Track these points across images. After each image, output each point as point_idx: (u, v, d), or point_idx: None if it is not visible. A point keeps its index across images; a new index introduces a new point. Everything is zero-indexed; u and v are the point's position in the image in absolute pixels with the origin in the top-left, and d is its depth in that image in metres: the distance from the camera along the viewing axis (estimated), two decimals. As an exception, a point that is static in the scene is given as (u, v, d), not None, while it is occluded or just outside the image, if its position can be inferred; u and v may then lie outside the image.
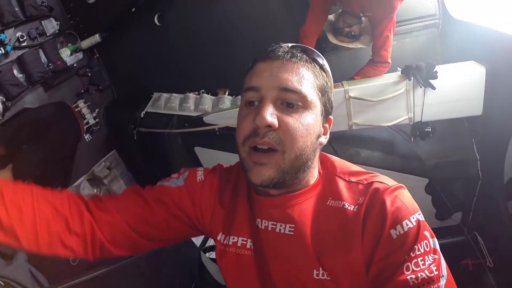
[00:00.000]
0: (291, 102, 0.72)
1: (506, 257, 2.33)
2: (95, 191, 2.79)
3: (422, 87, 2.21)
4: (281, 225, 0.78)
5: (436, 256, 0.66)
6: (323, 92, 0.78)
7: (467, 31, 2.43)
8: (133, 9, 2.70)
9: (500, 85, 2.15)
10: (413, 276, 0.63)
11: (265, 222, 0.80)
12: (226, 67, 2.82)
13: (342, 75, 2.61)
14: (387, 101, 2.23)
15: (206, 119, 2.61)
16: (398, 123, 2.32)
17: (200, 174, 0.94)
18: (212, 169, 0.99)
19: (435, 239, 0.70)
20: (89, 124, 2.86)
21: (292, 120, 0.71)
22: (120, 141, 2.95)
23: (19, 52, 2.37)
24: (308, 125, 0.73)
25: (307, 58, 0.78)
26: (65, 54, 2.71)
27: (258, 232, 0.81)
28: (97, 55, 3.03)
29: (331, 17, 2.30)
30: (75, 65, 2.84)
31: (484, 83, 2.19)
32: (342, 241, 0.74)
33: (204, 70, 2.89)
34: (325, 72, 0.82)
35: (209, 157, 2.79)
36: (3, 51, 2.24)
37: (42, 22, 2.53)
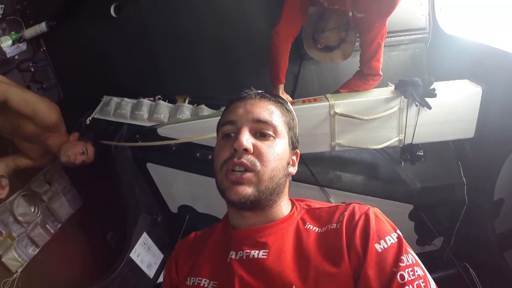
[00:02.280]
0: (264, 132, 0.72)
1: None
2: (32, 209, 2.01)
3: (417, 105, 1.67)
4: (255, 252, 0.69)
5: (422, 269, 0.59)
6: (289, 127, 0.78)
7: (459, 47, 1.97)
8: None
9: (496, 106, 1.73)
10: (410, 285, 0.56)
11: (240, 253, 0.70)
12: (188, 72, 2.16)
13: (322, 87, 2.08)
14: (377, 120, 1.68)
15: (160, 131, 1.92)
16: (388, 146, 1.76)
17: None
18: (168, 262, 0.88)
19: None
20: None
21: (265, 146, 0.71)
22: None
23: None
24: (279, 151, 0.72)
25: (274, 99, 0.79)
26: (6, 43, 1.98)
27: (230, 264, 0.70)
28: (44, 48, 2.25)
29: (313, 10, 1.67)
30: (16, 57, 2.10)
31: (479, 104, 1.74)
32: (325, 256, 0.64)
33: (163, 72, 2.19)
34: (289, 111, 0.82)
35: (164, 175, 2.11)
36: None
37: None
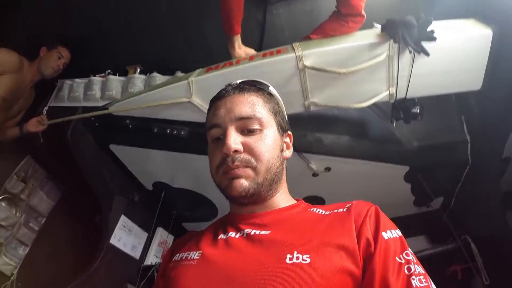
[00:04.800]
0: (250, 127, 0.61)
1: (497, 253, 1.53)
2: (13, 211, 1.69)
3: (411, 52, 1.12)
4: (256, 230, 0.58)
5: (423, 268, 0.50)
6: (275, 112, 0.67)
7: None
8: None
9: (509, 52, 1.18)
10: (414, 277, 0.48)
11: (240, 233, 0.59)
12: (138, 37, 1.62)
13: (295, 35, 1.48)
14: (360, 72, 1.14)
15: (113, 109, 1.44)
16: (375, 102, 1.23)
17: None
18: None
19: None
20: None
21: (255, 141, 0.61)
22: (31, 143, 1.73)
23: None
24: (270, 142, 0.62)
25: (254, 88, 0.67)
26: None
27: (226, 240, 0.59)
28: None
29: None
30: None
31: (489, 50, 1.17)
32: (330, 231, 0.54)
33: (112, 43, 1.66)
34: (273, 96, 0.69)
35: (129, 155, 1.69)
36: None
37: None
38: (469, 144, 1.54)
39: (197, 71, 1.30)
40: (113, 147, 1.65)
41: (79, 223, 1.89)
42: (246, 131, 0.61)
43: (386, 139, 1.52)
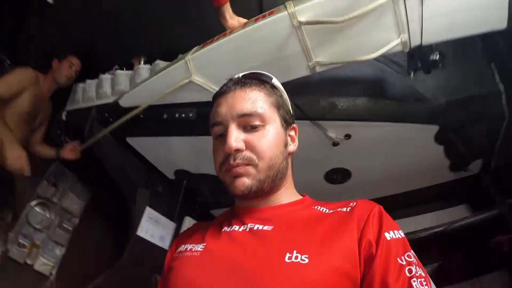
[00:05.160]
0: (252, 124, 0.61)
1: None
2: (47, 214, 1.79)
3: None
4: (259, 225, 0.58)
5: (424, 271, 0.49)
6: (278, 106, 0.65)
7: None
8: None
9: None
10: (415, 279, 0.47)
11: (243, 227, 0.59)
12: (140, 30, 1.63)
13: None
14: (363, 19, 1.01)
15: (122, 102, 1.47)
16: (386, 53, 1.07)
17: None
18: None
19: None
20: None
21: (257, 138, 0.60)
22: (56, 149, 1.79)
23: None
24: (272, 138, 0.61)
25: (256, 81, 0.66)
26: None
27: (230, 233, 0.59)
28: (8, 62, 1.83)
29: None
30: None
31: None
32: (332, 230, 0.54)
33: (115, 41, 1.69)
34: (276, 88, 0.68)
35: (146, 145, 1.70)
36: None
37: None
38: (503, 95, 1.33)
39: (194, 49, 1.25)
40: (130, 140, 1.66)
41: (111, 220, 1.96)
42: (249, 128, 0.60)
43: (409, 96, 1.36)
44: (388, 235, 0.51)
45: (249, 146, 0.59)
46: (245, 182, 0.58)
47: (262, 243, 0.54)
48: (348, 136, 1.45)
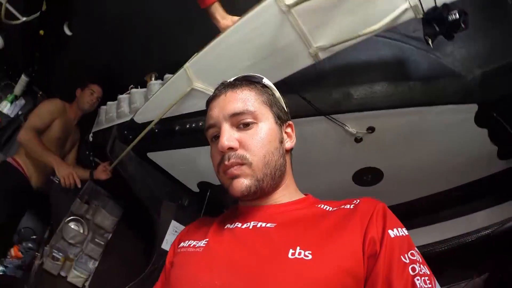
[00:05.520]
0: (245, 122, 0.61)
1: None
2: (81, 230, 1.93)
3: None
4: (262, 223, 0.57)
5: (429, 269, 0.48)
6: (270, 104, 0.65)
7: None
8: (41, 32, 1.70)
9: None
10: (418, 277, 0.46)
11: (246, 224, 0.59)
12: (150, 48, 1.70)
13: None
14: None
15: (137, 119, 1.51)
16: (395, 22, 0.93)
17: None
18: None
19: None
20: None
21: (250, 136, 0.60)
22: (90, 170, 1.95)
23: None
24: (266, 134, 0.61)
25: (247, 82, 0.66)
26: (6, 108, 1.95)
27: (232, 229, 0.59)
28: (40, 93, 2.11)
29: None
30: (20, 112, 2.03)
31: None
32: (335, 227, 0.53)
33: (129, 62, 1.78)
34: (267, 87, 0.68)
35: (166, 159, 1.71)
36: None
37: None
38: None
39: (192, 57, 1.23)
40: (150, 155, 1.70)
41: (142, 234, 2.00)
42: (241, 126, 0.61)
43: (437, 74, 1.17)
44: (392, 233, 0.50)
45: (242, 144, 0.59)
46: (243, 183, 0.58)
47: (265, 240, 0.54)
48: (371, 129, 1.28)
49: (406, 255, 0.48)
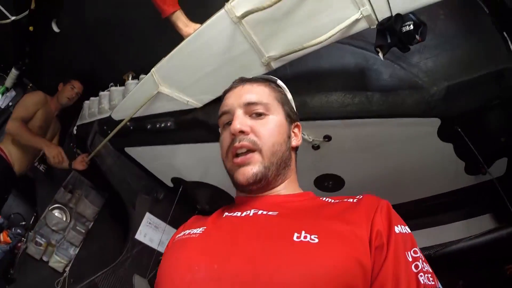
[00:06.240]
0: (257, 111, 0.62)
1: None
2: (64, 218, 2.03)
3: None
4: (263, 211, 0.56)
5: (430, 267, 0.48)
6: (282, 102, 0.67)
7: None
8: (31, 28, 1.76)
9: None
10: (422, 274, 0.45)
11: (247, 212, 0.57)
12: (129, 49, 1.73)
13: None
14: (309, 1, 0.90)
15: (114, 115, 1.58)
16: (348, 34, 0.94)
17: None
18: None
19: None
20: (41, 154, 2.02)
21: (261, 124, 0.62)
22: (69, 161, 2.03)
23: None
24: (276, 126, 0.63)
25: (263, 80, 0.69)
26: None
27: (231, 217, 0.58)
28: (30, 85, 2.18)
29: None
30: (10, 104, 2.10)
31: None
32: (339, 217, 0.51)
33: (111, 61, 1.84)
34: (281, 87, 0.71)
35: (142, 154, 1.78)
36: None
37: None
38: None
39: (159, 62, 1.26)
40: (127, 150, 1.76)
41: (121, 224, 2.08)
42: (254, 115, 0.62)
43: (397, 85, 1.14)
44: (397, 229, 0.49)
45: (254, 131, 0.61)
46: (252, 169, 0.58)
47: (267, 225, 0.52)
48: (328, 138, 1.28)
49: (410, 252, 0.47)
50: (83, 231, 2.01)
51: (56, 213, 1.98)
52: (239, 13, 0.95)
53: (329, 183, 1.49)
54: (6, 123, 1.85)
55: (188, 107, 1.30)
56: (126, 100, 1.46)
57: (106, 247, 2.02)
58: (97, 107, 1.78)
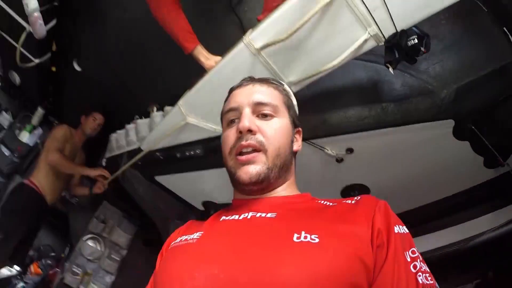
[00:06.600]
0: (265, 112, 0.63)
1: None
2: (98, 247, 2.12)
3: None
4: (262, 213, 0.56)
5: (427, 269, 0.48)
6: (288, 106, 0.68)
7: None
8: (53, 68, 1.95)
9: None
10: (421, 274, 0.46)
11: (244, 215, 0.56)
12: (155, 81, 1.84)
13: None
14: (318, 28, 0.98)
15: (143, 147, 1.69)
16: (359, 53, 1.02)
17: None
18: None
19: None
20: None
21: (269, 125, 0.62)
22: (105, 193, 2.13)
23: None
24: (282, 128, 0.63)
25: (271, 82, 0.69)
26: (26, 137, 2.19)
27: (228, 221, 0.57)
28: (56, 122, 2.34)
29: None
30: (38, 141, 2.26)
31: None
32: (340, 219, 0.51)
33: (133, 95, 1.96)
34: (287, 92, 0.71)
35: (172, 182, 1.85)
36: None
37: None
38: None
39: (183, 95, 1.37)
40: (158, 178, 1.84)
41: (155, 251, 2.15)
42: (261, 116, 0.63)
43: (409, 93, 1.21)
44: (396, 229, 0.49)
45: (261, 131, 0.61)
46: (255, 168, 0.58)
47: (266, 227, 0.52)
48: (350, 150, 1.34)
49: (408, 252, 0.48)
50: (118, 259, 2.10)
51: (90, 243, 2.08)
52: (257, 45, 1.05)
53: (355, 192, 1.54)
54: (35, 160, 1.99)
55: (215, 134, 1.38)
56: (154, 132, 1.57)
57: (142, 274, 2.07)
58: (125, 140, 1.89)
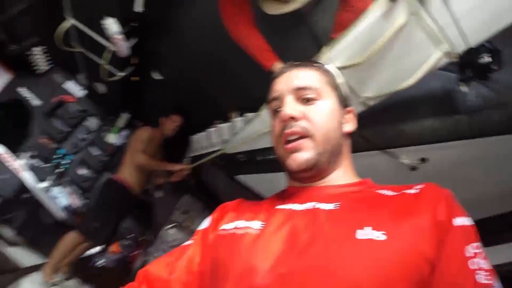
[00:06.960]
0: (307, 97, 0.66)
1: None
2: (180, 235, 2.68)
3: None
4: (324, 204, 0.58)
5: (489, 264, 0.48)
6: (333, 86, 0.69)
7: None
8: (136, 78, 2.47)
9: None
10: (480, 272, 0.46)
11: (304, 205, 0.60)
12: (234, 88, 2.23)
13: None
14: (391, 47, 1.16)
15: (228, 151, 2.11)
16: (433, 70, 1.15)
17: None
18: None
19: None
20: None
21: (313, 109, 0.65)
22: (186, 186, 2.74)
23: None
24: (327, 111, 0.65)
25: (311, 63, 0.72)
26: (112, 138, 2.77)
27: (289, 212, 0.61)
28: (142, 124, 2.88)
29: None
30: (124, 141, 2.86)
31: None
32: (403, 208, 0.53)
33: (216, 98, 2.38)
34: (329, 71, 0.73)
35: (251, 180, 2.27)
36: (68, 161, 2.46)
37: (84, 124, 2.64)
38: None
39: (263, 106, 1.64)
40: (238, 177, 2.23)
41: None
42: (305, 100, 0.65)
43: (481, 105, 1.31)
44: (458, 221, 0.50)
45: (305, 116, 0.64)
46: (303, 156, 0.61)
47: (327, 222, 0.54)
48: (423, 160, 1.47)
49: (469, 246, 0.48)
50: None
51: (173, 231, 2.56)
52: (337, 64, 1.24)
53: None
54: (122, 157, 2.55)
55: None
56: (238, 137, 1.93)
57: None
58: (206, 141, 2.34)
